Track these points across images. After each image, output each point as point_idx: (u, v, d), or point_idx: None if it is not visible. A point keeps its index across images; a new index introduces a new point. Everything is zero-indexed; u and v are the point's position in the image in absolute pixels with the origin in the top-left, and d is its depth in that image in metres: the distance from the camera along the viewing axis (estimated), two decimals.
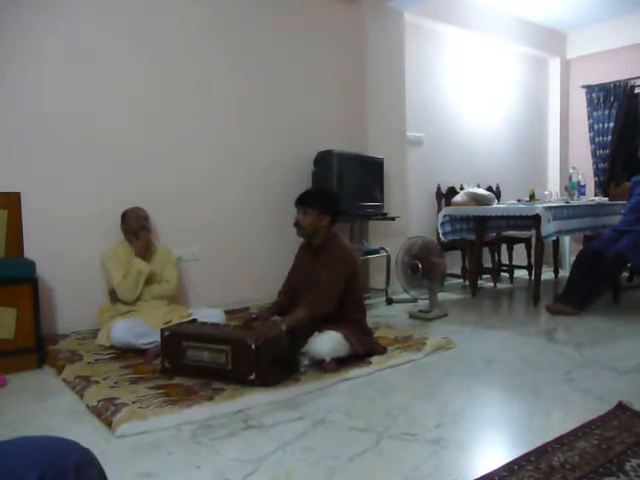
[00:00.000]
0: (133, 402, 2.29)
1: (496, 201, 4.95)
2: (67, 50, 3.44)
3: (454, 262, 5.45)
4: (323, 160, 4.28)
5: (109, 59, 3.60)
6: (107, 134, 3.59)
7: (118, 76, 3.63)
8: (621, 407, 2.19)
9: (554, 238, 4.51)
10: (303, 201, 2.91)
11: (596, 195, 6.04)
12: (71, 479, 0.90)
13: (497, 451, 1.99)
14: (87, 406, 2.33)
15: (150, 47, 3.77)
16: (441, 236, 4.75)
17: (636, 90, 6.30)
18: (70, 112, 3.46)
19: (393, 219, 4.69)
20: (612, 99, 6.37)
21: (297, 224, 2.91)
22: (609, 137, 6.43)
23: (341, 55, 4.78)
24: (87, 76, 3.51)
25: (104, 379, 2.61)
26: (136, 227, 3.38)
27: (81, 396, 2.44)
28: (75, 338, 3.31)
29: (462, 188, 5.28)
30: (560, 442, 1.90)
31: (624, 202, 4.58)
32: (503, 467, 1.73)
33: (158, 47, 3.80)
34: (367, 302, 3.20)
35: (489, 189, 5.60)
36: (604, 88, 6.42)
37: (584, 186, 5.38)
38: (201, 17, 4.00)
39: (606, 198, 5.39)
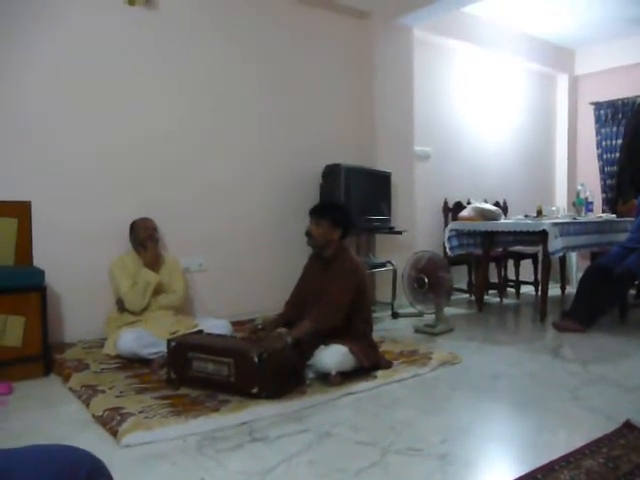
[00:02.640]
0: (139, 412, 2.30)
1: (503, 216, 4.95)
2: (75, 57, 3.47)
3: (460, 277, 5.44)
4: (331, 173, 4.30)
5: (119, 71, 3.64)
6: (117, 145, 3.63)
7: (127, 87, 3.67)
8: (628, 426, 2.17)
9: (561, 254, 4.49)
10: (317, 212, 2.95)
11: (603, 212, 6.02)
12: None
13: (503, 468, 1.98)
14: (93, 415, 2.34)
15: (159, 56, 3.82)
16: (448, 251, 4.75)
17: None
18: (80, 122, 3.50)
19: (400, 233, 4.69)
20: (620, 116, 6.39)
21: (308, 233, 2.94)
22: (617, 154, 6.43)
23: (350, 70, 4.82)
24: (97, 87, 3.55)
25: (110, 388, 2.62)
26: (144, 237, 3.40)
27: (87, 405, 2.45)
28: (82, 347, 3.32)
29: (469, 203, 5.28)
30: (567, 460, 1.89)
31: (632, 219, 4.57)
32: None
33: (169, 57, 3.85)
34: (373, 316, 3.19)
35: (496, 204, 5.60)
36: (612, 105, 6.44)
37: (592, 202, 5.37)
38: (210, 30, 4.04)
39: (614, 215, 5.38)
